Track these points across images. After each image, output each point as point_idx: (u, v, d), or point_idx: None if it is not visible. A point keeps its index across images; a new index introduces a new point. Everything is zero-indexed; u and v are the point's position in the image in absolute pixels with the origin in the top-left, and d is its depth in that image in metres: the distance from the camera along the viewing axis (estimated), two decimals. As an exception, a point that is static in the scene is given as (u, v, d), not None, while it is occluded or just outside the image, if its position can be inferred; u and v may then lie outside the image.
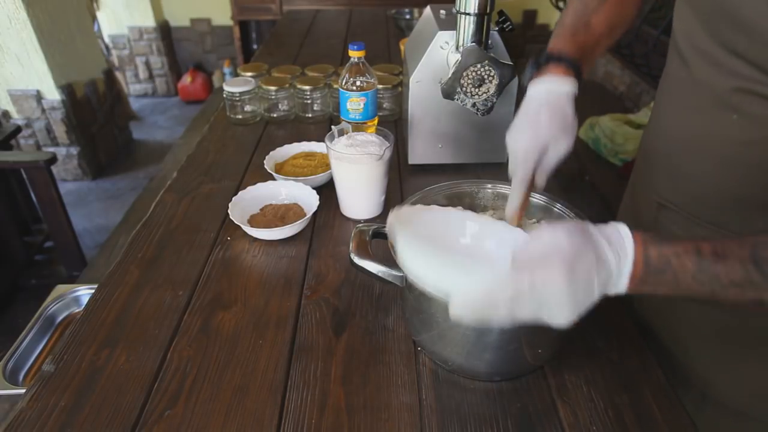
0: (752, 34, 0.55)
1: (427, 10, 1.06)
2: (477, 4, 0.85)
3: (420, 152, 1.06)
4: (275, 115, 1.31)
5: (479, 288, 0.48)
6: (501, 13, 0.94)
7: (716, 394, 0.71)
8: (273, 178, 1.02)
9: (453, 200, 0.78)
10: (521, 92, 0.74)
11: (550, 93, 0.66)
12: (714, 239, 0.47)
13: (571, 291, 0.46)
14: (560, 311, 0.47)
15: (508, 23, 0.94)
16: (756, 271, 0.44)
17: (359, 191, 0.92)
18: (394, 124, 1.30)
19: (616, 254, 0.47)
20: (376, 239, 0.70)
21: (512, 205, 0.68)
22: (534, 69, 0.70)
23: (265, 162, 1.04)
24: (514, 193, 0.68)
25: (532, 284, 0.46)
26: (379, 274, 0.65)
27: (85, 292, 1.15)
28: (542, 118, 0.65)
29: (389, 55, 1.81)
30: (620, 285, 0.47)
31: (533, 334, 0.62)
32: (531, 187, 0.68)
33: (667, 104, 0.73)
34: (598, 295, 0.47)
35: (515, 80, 0.94)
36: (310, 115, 1.31)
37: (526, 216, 0.75)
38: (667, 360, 0.74)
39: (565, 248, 0.46)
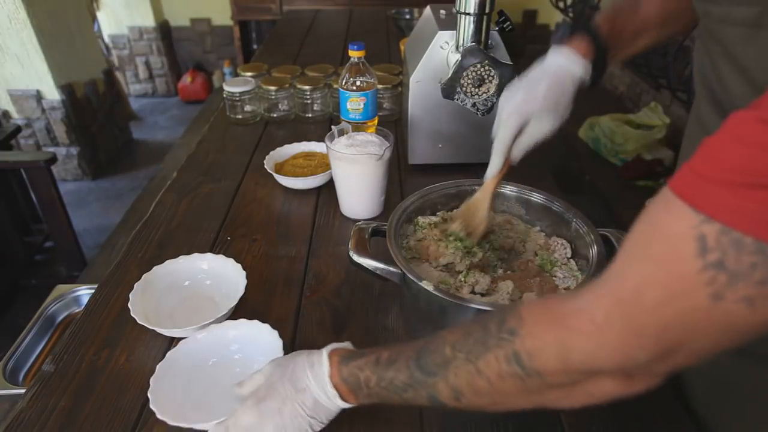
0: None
1: (427, 10, 1.06)
2: (477, 4, 0.85)
3: (420, 152, 1.06)
4: (275, 115, 1.31)
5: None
6: (501, 13, 0.94)
7: None
8: (273, 178, 1.02)
9: (452, 200, 0.78)
10: None
11: (560, 68, 0.65)
12: (394, 346, 0.48)
13: (269, 424, 0.50)
14: None
15: (508, 23, 0.94)
16: (417, 369, 0.45)
17: (359, 191, 0.92)
18: (394, 124, 1.30)
19: (318, 380, 0.50)
20: (375, 237, 0.70)
21: (491, 171, 0.69)
22: (564, 35, 0.69)
23: (265, 162, 1.04)
24: (494, 157, 0.68)
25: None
26: (378, 272, 0.65)
27: (85, 292, 1.14)
28: (540, 88, 0.64)
29: (389, 55, 1.81)
30: (338, 403, 0.50)
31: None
32: (508, 159, 0.68)
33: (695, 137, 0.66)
34: (311, 420, 0.50)
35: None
36: (310, 115, 1.31)
37: (530, 223, 0.76)
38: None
39: (260, 390, 0.52)
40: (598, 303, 0.36)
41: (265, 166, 1.03)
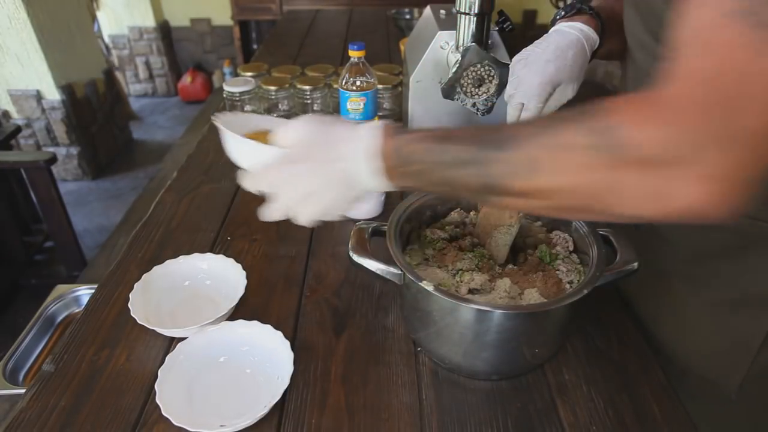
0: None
1: (427, 10, 1.06)
2: (477, 4, 0.85)
3: (420, 152, 1.06)
4: (275, 115, 1.31)
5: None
6: (501, 13, 0.94)
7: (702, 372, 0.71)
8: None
9: (452, 200, 0.78)
10: None
11: (579, 38, 0.68)
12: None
13: (299, 183, 0.48)
14: (302, 204, 0.49)
15: (508, 23, 0.94)
16: (481, 142, 0.42)
17: (359, 191, 0.92)
18: (394, 124, 1.30)
19: (360, 150, 0.46)
20: (375, 237, 0.70)
21: None
22: (569, 12, 0.72)
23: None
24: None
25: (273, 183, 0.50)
26: (378, 272, 0.65)
27: (85, 292, 1.14)
28: (569, 55, 0.67)
29: (389, 55, 1.81)
30: (374, 181, 0.47)
31: (530, 333, 0.62)
32: None
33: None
34: (342, 186, 0.48)
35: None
36: (310, 115, 1.31)
37: (532, 220, 0.75)
38: (665, 355, 0.74)
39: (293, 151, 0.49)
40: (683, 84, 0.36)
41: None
